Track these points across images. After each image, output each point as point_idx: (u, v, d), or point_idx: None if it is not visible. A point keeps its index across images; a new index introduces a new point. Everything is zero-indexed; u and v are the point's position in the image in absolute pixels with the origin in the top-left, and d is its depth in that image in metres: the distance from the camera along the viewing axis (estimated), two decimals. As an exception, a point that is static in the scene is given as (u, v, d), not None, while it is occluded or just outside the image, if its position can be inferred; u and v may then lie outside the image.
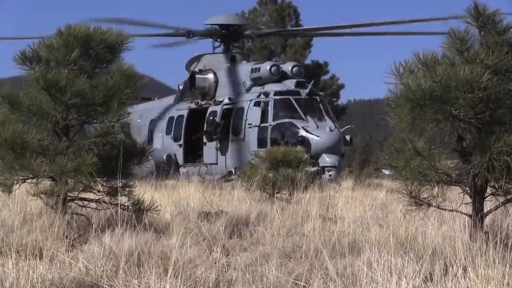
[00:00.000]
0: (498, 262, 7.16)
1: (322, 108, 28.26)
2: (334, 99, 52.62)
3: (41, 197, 9.90)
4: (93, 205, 10.17)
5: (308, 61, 52.20)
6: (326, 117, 27.90)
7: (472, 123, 7.93)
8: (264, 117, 28.35)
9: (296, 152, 20.33)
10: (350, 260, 7.77)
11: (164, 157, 31.16)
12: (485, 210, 8.45)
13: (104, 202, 10.07)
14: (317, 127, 27.23)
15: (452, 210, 8.56)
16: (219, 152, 29.90)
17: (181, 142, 31.63)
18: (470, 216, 8.40)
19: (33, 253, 8.26)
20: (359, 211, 11.98)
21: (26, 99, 9.94)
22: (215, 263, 8.17)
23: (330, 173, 26.54)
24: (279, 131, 27.70)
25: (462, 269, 7.23)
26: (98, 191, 10.08)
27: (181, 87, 32.89)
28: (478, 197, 8.35)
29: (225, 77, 30.80)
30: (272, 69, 29.17)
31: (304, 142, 26.79)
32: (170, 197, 13.99)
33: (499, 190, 8.42)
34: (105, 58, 10.29)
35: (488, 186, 8.41)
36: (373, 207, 12.58)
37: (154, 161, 26.98)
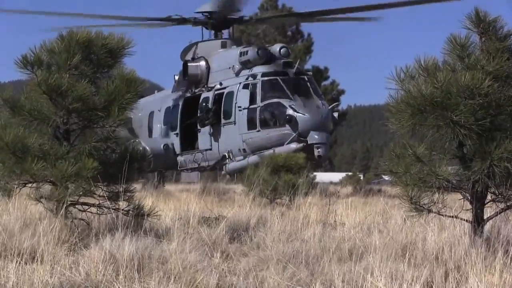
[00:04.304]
0: (499, 269, 7.17)
1: (309, 87, 28.40)
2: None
3: (41, 202, 9.90)
4: (94, 209, 10.17)
5: (308, 66, 52.21)
6: (314, 95, 28.06)
7: (473, 129, 7.94)
8: (252, 99, 28.51)
9: (297, 157, 20.37)
10: (351, 266, 7.77)
11: (162, 146, 31.48)
12: (485, 217, 8.45)
13: (105, 206, 10.08)
14: (304, 105, 27.36)
15: (452, 216, 8.55)
16: (212, 138, 30.13)
17: (178, 131, 31.86)
18: (470, 222, 8.40)
19: (34, 258, 8.27)
20: (359, 216, 11.98)
21: (27, 103, 9.95)
22: (215, 268, 8.17)
23: (319, 150, 26.67)
24: (268, 112, 27.87)
25: (463, 275, 7.24)
26: (99, 195, 10.08)
27: (176, 77, 33.15)
28: (478, 203, 8.35)
29: (216, 63, 30.99)
30: (259, 51, 29.29)
31: (292, 120, 26.97)
32: (172, 201, 14.00)
33: (499, 196, 8.42)
34: (106, 63, 10.30)
35: (488, 193, 8.41)
36: (373, 213, 12.58)
37: (151, 151, 27.35)
